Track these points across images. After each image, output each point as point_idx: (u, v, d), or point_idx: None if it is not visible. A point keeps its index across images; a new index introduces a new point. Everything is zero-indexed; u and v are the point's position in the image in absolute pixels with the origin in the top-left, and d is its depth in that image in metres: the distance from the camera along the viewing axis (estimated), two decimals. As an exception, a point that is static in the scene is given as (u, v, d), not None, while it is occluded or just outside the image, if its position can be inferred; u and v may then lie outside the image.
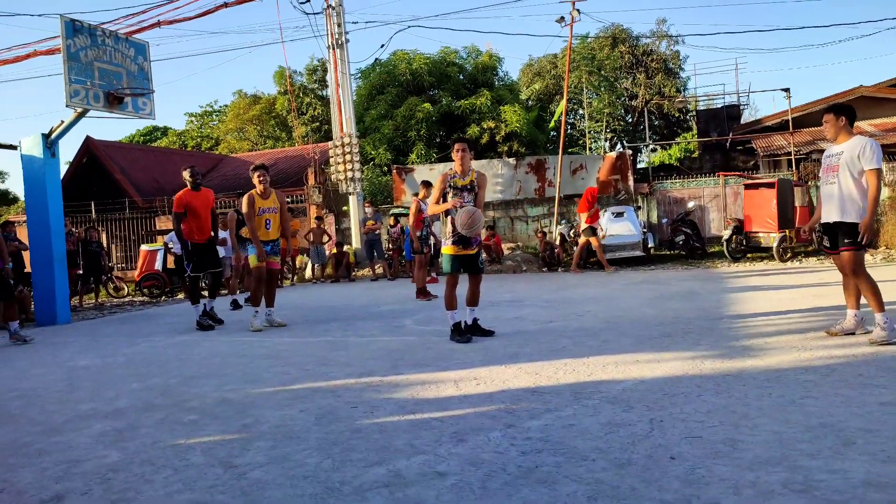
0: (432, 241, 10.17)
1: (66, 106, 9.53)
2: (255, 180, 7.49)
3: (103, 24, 11.08)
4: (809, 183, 16.21)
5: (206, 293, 8.63)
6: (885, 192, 15.91)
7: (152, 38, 29.08)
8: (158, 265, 14.18)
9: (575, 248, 15.02)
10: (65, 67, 9.33)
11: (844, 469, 2.44)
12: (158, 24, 15.65)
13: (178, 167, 26.15)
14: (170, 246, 12.98)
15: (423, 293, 9.52)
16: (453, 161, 5.95)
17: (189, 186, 7.77)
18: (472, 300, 5.94)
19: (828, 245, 5.05)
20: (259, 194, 7.45)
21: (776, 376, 3.87)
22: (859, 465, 2.47)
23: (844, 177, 4.74)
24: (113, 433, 3.48)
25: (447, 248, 5.84)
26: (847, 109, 4.95)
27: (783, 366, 4.13)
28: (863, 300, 4.90)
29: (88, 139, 23.03)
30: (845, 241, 4.78)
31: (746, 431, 2.92)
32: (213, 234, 8.02)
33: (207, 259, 7.96)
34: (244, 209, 7.41)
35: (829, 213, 4.90)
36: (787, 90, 21.25)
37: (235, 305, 9.98)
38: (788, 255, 13.73)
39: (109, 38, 10.09)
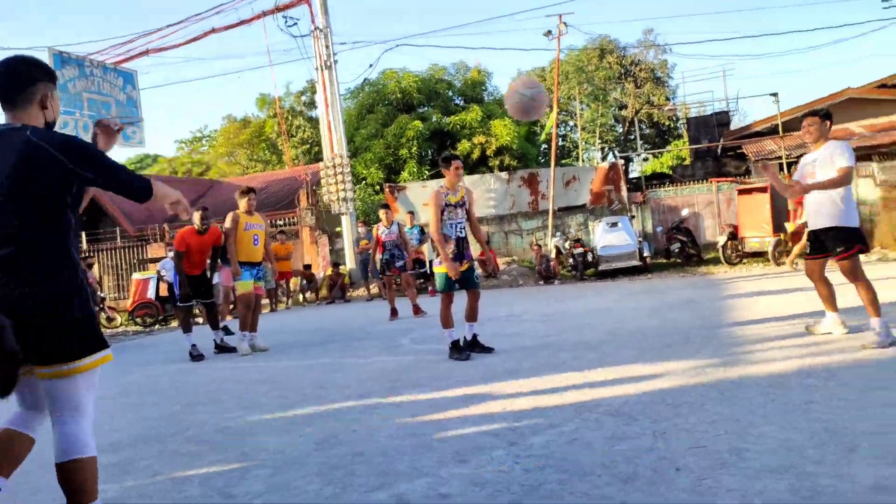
0: (404, 261, 10.08)
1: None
2: (245, 204, 7.50)
3: (91, 54, 11.11)
4: (801, 186, 16.27)
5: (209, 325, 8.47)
6: (878, 192, 15.99)
7: (141, 66, 29.30)
8: (151, 293, 14.11)
9: (571, 259, 15.03)
10: (54, 99, 9.35)
11: (851, 474, 2.41)
12: (147, 52, 15.71)
13: (170, 194, 25.88)
14: (162, 274, 12.92)
15: (417, 310, 9.53)
16: (444, 178, 5.94)
17: (196, 227, 7.71)
18: (471, 316, 5.90)
19: (808, 252, 5.12)
20: (245, 212, 7.47)
21: (779, 382, 3.84)
22: (866, 468, 2.44)
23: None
24: (110, 467, 3.42)
25: (441, 267, 5.79)
26: (828, 115, 5.05)
27: (785, 371, 4.10)
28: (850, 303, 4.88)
29: None
30: (838, 249, 4.82)
31: (752, 440, 2.89)
32: (207, 269, 7.99)
33: (198, 289, 7.87)
34: (227, 226, 7.40)
35: (817, 221, 4.96)
36: (775, 95, 21.41)
37: (227, 331, 9.88)
38: (784, 258, 13.75)
39: (97, 68, 10.12)
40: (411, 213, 13.96)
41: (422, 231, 13.34)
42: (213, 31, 16.67)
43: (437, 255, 5.84)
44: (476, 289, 5.92)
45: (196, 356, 7.49)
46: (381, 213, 9.97)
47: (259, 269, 7.65)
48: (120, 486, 3.10)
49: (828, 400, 3.38)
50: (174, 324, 13.94)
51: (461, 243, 5.83)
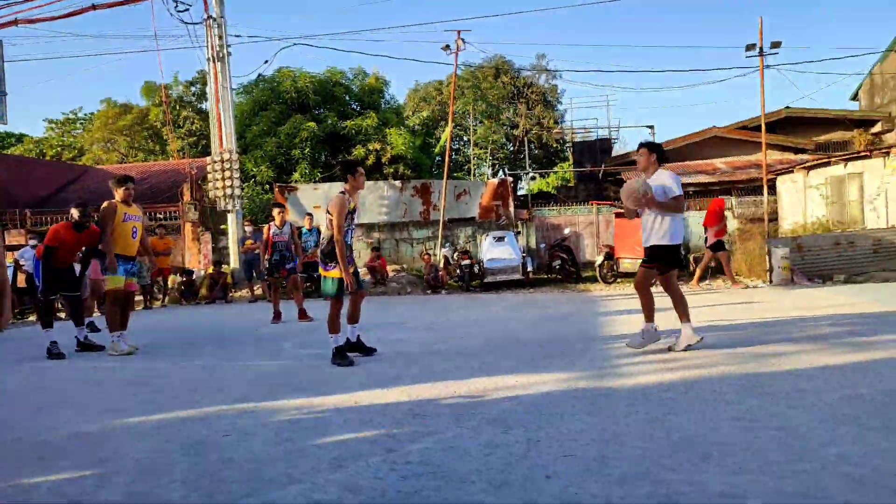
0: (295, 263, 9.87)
1: None
2: (122, 194, 6.98)
3: (-52, 16, 10.02)
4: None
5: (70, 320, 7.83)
6: (735, 224, 17.53)
7: (7, 36, 26.69)
8: (7, 284, 12.83)
9: (458, 270, 15.28)
10: None
11: (702, 481, 2.61)
12: (16, 22, 14.40)
13: (33, 177, 23.98)
14: (21, 263, 11.82)
15: (303, 314, 9.33)
16: (342, 182, 5.86)
17: (72, 225, 7.15)
18: (353, 317, 5.88)
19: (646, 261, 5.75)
20: (122, 202, 6.96)
21: (642, 394, 4.10)
22: (715, 477, 2.66)
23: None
24: (-60, 474, 3.07)
25: (333, 272, 5.71)
26: (658, 147, 5.78)
27: (648, 384, 4.39)
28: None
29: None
30: (644, 259, 5.60)
31: (615, 448, 3.06)
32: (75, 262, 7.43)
33: (63, 281, 7.28)
34: (103, 216, 6.84)
35: (648, 238, 5.62)
36: (651, 127, 23.12)
37: (93, 328, 9.19)
38: (655, 280, 14.73)
39: (-45, 32, 9.13)
40: (310, 214, 13.66)
41: (319, 233, 13.09)
42: (94, 7, 15.55)
43: (330, 260, 5.72)
44: (363, 290, 5.92)
45: (55, 354, 6.88)
46: (275, 213, 9.67)
47: (133, 264, 7.18)
48: (-48, 496, 2.79)
49: (684, 412, 3.65)
50: (32, 318, 12.76)
51: (351, 249, 5.82)
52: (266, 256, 9.62)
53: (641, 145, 5.75)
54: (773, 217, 17.48)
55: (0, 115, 9.78)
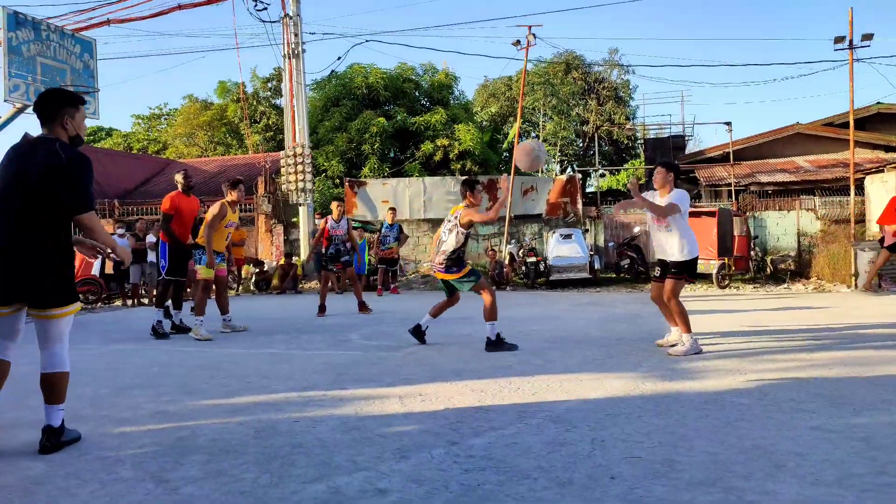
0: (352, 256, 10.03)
1: (5, 101, 9.18)
2: (235, 195, 7.61)
3: (49, 18, 10.69)
4: (748, 213, 16.86)
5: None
6: (818, 226, 16.69)
7: (100, 35, 28.24)
8: (96, 270, 13.64)
9: (524, 267, 15.20)
10: (4, 61, 8.98)
11: (776, 491, 2.51)
12: (108, 22, 15.21)
13: (122, 169, 25.24)
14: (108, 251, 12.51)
15: (363, 307, 9.50)
16: (462, 197, 6.54)
17: (180, 189, 7.65)
18: (438, 312, 6.51)
19: (657, 276, 6.07)
20: (230, 205, 7.55)
21: (713, 399, 3.98)
22: (789, 487, 2.55)
23: (673, 222, 5.80)
24: (36, 444, 3.30)
25: (457, 274, 6.26)
26: (675, 168, 6.23)
27: (720, 389, 4.25)
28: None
29: (27, 136, 22.09)
30: (672, 271, 5.81)
31: (684, 452, 2.98)
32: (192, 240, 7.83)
33: (182, 265, 7.73)
34: (213, 214, 7.39)
35: (665, 253, 5.90)
36: (728, 124, 22.19)
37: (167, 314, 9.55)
38: (727, 281, 14.23)
39: (55, 33, 9.76)
40: (392, 209, 13.89)
41: (400, 230, 13.29)
42: (180, 7, 16.27)
43: (455, 265, 6.26)
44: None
45: (161, 334, 7.40)
46: (334, 206, 9.81)
47: (221, 255, 7.77)
48: (46, 463, 3.00)
49: (758, 419, 3.52)
50: (118, 302, 13.53)
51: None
52: (322, 249, 9.81)
53: (660, 164, 6.22)
54: (860, 219, 16.53)
55: (93, 112, 10.37)
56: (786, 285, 13.73)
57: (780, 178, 20.21)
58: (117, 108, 71.94)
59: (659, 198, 5.99)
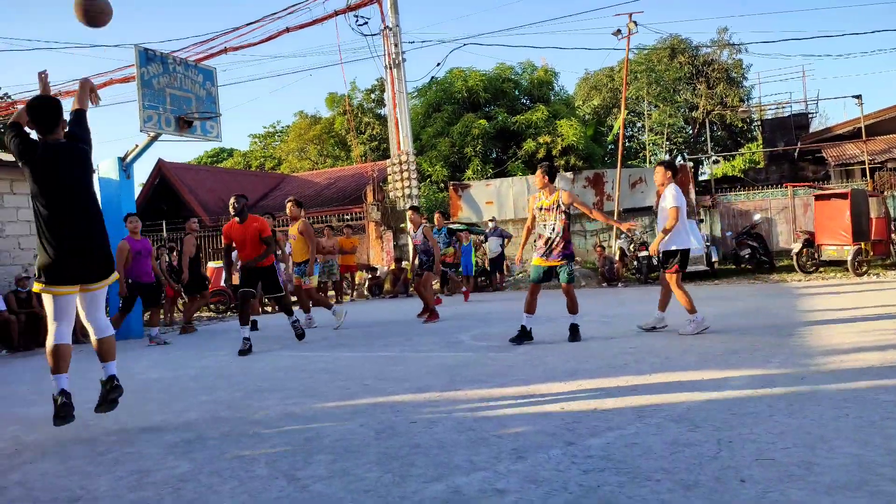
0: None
1: (140, 131, 10.03)
2: (289, 211, 9.23)
3: (174, 52, 11.62)
4: (885, 193, 15.44)
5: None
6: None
7: (219, 63, 30.38)
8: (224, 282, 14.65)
9: (636, 262, 14.72)
10: (139, 94, 9.83)
11: (932, 496, 2.29)
12: (225, 50, 16.34)
13: (242, 186, 26.92)
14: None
15: (429, 313, 9.27)
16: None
17: (232, 218, 7.66)
18: (571, 309, 6.65)
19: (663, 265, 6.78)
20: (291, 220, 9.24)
21: (853, 396, 3.68)
22: (949, 492, 2.32)
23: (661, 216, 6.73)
24: (182, 444, 3.60)
25: (535, 260, 6.65)
26: (673, 166, 6.91)
27: (860, 386, 3.92)
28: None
29: (160, 161, 24.14)
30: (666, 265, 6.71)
31: (823, 454, 2.78)
32: (266, 258, 7.68)
33: (255, 281, 7.73)
34: (311, 232, 8.92)
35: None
36: (858, 97, 20.32)
37: (254, 326, 9.58)
38: (864, 268, 13.08)
39: (180, 65, 10.58)
40: (441, 213, 13.29)
41: (450, 233, 12.83)
42: (288, 30, 17.15)
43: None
44: (564, 284, 6.63)
45: (242, 351, 7.19)
46: (408, 215, 9.85)
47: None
48: (191, 462, 3.26)
49: (907, 417, 3.22)
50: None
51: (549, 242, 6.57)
52: (415, 261, 9.96)
53: (660, 164, 6.86)
54: None
55: (216, 135, 11.15)
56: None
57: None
58: (237, 128, 76.94)
59: (659, 196, 6.80)
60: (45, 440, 3.93)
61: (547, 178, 6.59)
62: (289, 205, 9.13)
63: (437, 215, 11.15)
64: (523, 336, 6.50)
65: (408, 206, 17.46)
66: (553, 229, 6.49)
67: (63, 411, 3.75)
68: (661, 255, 6.81)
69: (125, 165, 10.41)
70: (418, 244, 9.66)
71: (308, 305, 9.59)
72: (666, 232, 6.58)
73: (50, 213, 3.88)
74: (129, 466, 3.28)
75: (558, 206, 6.48)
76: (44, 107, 3.98)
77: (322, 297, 10.73)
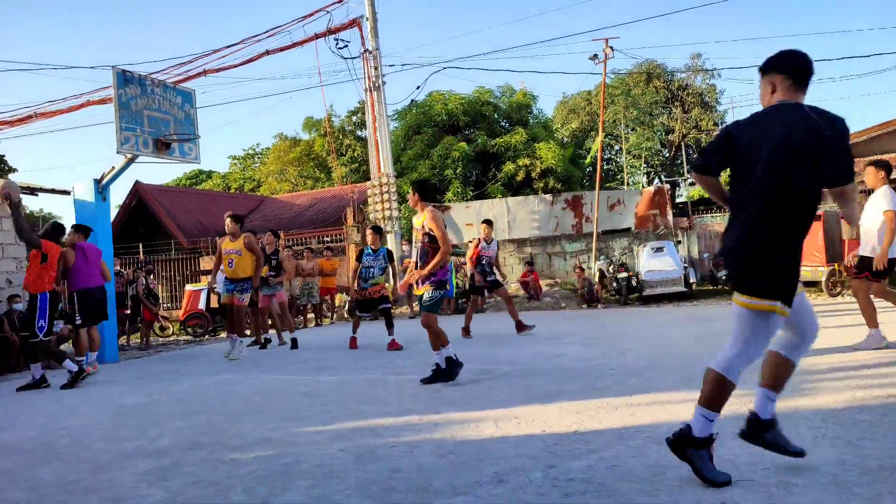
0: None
1: (117, 152, 9.93)
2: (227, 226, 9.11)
3: (152, 73, 11.58)
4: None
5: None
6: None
7: (198, 85, 30.32)
8: (202, 305, 14.48)
9: (615, 283, 14.82)
10: (116, 116, 9.75)
11: (909, 515, 2.31)
12: (205, 72, 16.29)
13: (221, 209, 26.75)
14: (213, 286, 13.26)
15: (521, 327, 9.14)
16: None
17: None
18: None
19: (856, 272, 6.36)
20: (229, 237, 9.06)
21: (831, 416, 3.72)
22: (925, 510, 2.34)
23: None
24: (156, 471, 3.52)
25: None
26: (887, 164, 6.34)
27: (838, 405, 3.97)
28: None
29: (137, 183, 23.90)
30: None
31: (802, 474, 2.80)
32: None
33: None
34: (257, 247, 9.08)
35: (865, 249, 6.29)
36: (830, 121, 20.84)
37: (294, 344, 9.88)
38: (838, 289, 13.30)
39: (158, 87, 10.54)
40: (375, 228, 11.16)
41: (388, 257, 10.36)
42: (268, 52, 17.17)
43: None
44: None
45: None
46: (484, 228, 9.86)
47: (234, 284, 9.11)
48: (164, 490, 3.19)
49: (884, 437, 3.26)
50: (223, 335, 14.26)
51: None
52: (476, 269, 9.71)
53: (870, 163, 6.36)
54: None
55: (195, 157, 11.09)
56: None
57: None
58: (216, 150, 76.58)
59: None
60: (13, 468, 3.82)
61: (417, 195, 6.06)
62: (227, 220, 9.10)
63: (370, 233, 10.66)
64: (439, 375, 5.76)
65: (387, 227, 17.47)
66: (419, 252, 5.94)
67: None
68: (858, 262, 6.27)
69: (101, 187, 10.29)
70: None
71: (258, 327, 10.21)
72: (891, 241, 5.96)
73: None
74: (101, 495, 3.20)
75: (423, 227, 5.88)
76: None
77: (262, 321, 10.96)
